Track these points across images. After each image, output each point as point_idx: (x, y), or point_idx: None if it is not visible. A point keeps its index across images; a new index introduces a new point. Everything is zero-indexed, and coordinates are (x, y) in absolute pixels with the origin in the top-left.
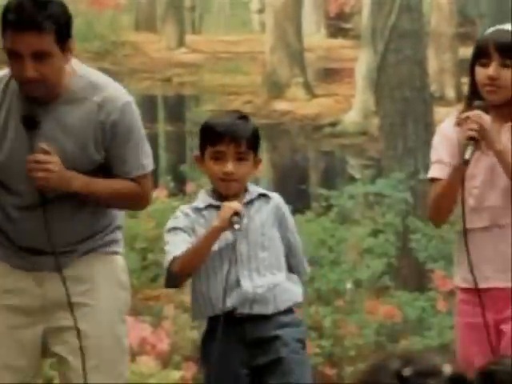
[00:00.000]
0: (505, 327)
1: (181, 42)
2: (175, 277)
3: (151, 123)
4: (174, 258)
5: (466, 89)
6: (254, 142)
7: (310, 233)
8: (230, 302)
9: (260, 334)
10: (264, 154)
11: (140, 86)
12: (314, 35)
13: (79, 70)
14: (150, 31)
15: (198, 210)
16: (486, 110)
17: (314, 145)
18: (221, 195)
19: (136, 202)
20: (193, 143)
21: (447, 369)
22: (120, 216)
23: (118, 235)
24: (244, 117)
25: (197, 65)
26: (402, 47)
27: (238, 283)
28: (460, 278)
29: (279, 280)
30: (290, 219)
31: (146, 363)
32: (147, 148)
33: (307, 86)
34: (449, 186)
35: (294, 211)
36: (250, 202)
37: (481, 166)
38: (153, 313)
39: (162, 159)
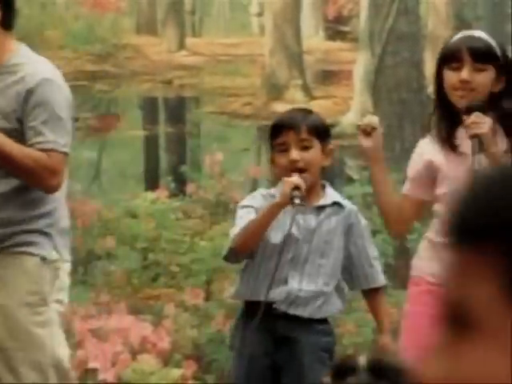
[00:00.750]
0: None
1: (181, 45)
2: (234, 252)
3: (152, 125)
4: (236, 234)
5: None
6: (316, 130)
7: None
8: (272, 296)
9: (290, 334)
10: (263, 154)
11: (141, 88)
12: (313, 38)
13: (21, 50)
14: (151, 34)
15: (272, 196)
16: (483, 110)
17: None
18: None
19: (43, 175)
20: (193, 144)
21: (362, 360)
22: (51, 220)
23: (39, 238)
24: (305, 109)
25: (197, 67)
26: (400, 50)
27: (285, 281)
28: (431, 273)
29: (328, 290)
30: (359, 231)
31: (147, 361)
32: (66, 130)
33: (306, 88)
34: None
35: None
36: (323, 208)
37: (464, 170)
38: (153, 312)
39: (163, 160)
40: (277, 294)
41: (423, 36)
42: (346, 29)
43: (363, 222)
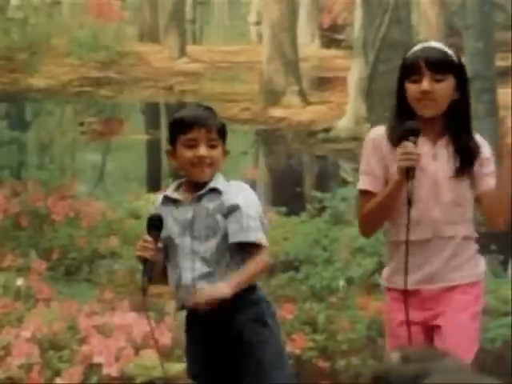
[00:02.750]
0: (438, 321)
1: (182, 52)
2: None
3: (154, 129)
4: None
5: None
6: (222, 132)
7: (305, 233)
8: (179, 296)
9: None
10: (261, 158)
11: (143, 94)
12: (309, 46)
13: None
14: (153, 42)
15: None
16: (417, 131)
17: (308, 149)
18: (187, 189)
19: None
20: None
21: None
22: None
23: None
24: (209, 108)
25: (197, 74)
26: (392, 57)
27: (179, 277)
28: (389, 280)
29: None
30: (235, 204)
31: (150, 356)
32: None
33: (302, 94)
34: (388, 200)
35: (290, 213)
36: (200, 197)
37: (424, 181)
38: (156, 309)
39: (165, 163)
40: (180, 292)
41: (415, 44)
42: (340, 37)
43: (245, 195)
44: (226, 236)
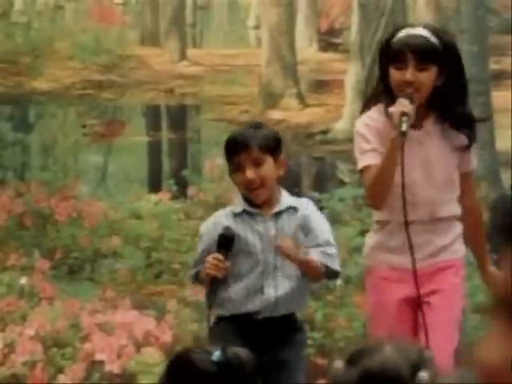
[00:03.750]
0: (431, 299)
1: (183, 56)
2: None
3: (155, 131)
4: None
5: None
6: (267, 146)
7: None
8: (251, 307)
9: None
10: None
11: (145, 97)
12: (307, 49)
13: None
14: (154, 46)
15: (235, 214)
16: (412, 99)
17: (306, 151)
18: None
19: None
20: (194, 149)
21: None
22: None
23: None
24: (256, 125)
25: (197, 77)
26: None
27: (261, 290)
28: (380, 258)
29: (299, 288)
30: (317, 228)
31: (151, 354)
32: None
33: (300, 97)
34: (388, 161)
35: None
36: (279, 213)
37: (417, 161)
38: (156, 307)
39: (165, 164)
40: (256, 304)
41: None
42: (337, 41)
43: (315, 211)
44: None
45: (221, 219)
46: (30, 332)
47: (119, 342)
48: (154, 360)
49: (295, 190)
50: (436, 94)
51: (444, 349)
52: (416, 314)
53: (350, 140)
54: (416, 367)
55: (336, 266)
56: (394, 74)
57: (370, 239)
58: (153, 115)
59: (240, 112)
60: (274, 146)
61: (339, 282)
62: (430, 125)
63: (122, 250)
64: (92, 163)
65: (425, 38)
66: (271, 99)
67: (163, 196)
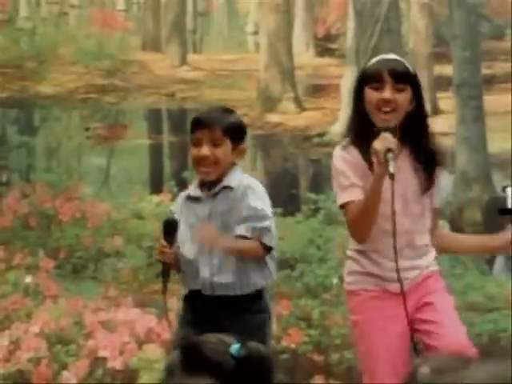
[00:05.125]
0: (427, 300)
1: (183, 61)
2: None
3: (156, 134)
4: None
5: (438, 104)
6: (231, 130)
7: (300, 233)
8: (194, 286)
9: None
10: (258, 161)
11: (146, 101)
12: (304, 54)
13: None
14: (156, 51)
15: (185, 198)
16: (394, 132)
17: (303, 153)
18: (205, 186)
19: None
20: None
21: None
22: None
23: None
24: (226, 109)
25: (198, 81)
26: None
27: (197, 270)
28: (366, 283)
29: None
30: (248, 202)
31: (152, 351)
32: None
33: (297, 101)
34: (374, 197)
35: (286, 213)
36: (215, 194)
37: (395, 194)
38: (158, 305)
39: (167, 166)
40: (197, 283)
41: (405, 53)
42: (334, 46)
43: (253, 187)
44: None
45: (175, 204)
46: (35, 329)
47: (122, 339)
48: (156, 357)
49: (292, 192)
50: (408, 121)
51: (462, 336)
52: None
53: None
54: None
55: (267, 240)
56: (372, 94)
57: (351, 267)
58: (154, 118)
59: (239, 115)
60: (236, 131)
61: (335, 280)
62: (405, 154)
63: (124, 250)
64: (95, 165)
65: (399, 60)
66: (269, 103)
67: (164, 197)
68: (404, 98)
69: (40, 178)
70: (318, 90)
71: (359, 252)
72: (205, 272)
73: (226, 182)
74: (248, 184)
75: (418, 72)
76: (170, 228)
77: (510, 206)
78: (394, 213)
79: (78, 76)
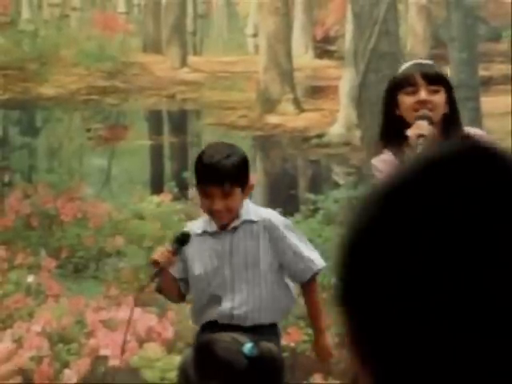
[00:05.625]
0: None
1: (184, 63)
2: None
3: (157, 135)
4: None
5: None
6: (238, 178)
7: None
8: (211, 316)
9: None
10: (258, 162)
11: (147, 102)
12: (303, 56)
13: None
14: (156, 53)
15: (196, 234)
16: (430, 119)
17: (302, 154)
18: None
19: None
20: (194, 153)
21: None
22: None
23: None
24: (230, 152)
25: (198, 83)
26: (381, 67)
27: (219, 302)
28: None
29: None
30: (279, 235)
31: (153, 349)
32: None
33: (296, 102)
34: None
35: (285, 214)
36: (235, 229)
37: None
38: (159, 304)
39: (167, 167)
40: (216, 313)
41: (403, 55)
42: (332, 48)
43: (281, 223)
44: (265, 265)
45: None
46: (37, 328)
47: (122, 338)
48: (156, 355)
49: (291, 192)
50: (444, 123)
51: None
52: None
53: (345, 143)
54: None
55: (319, 264)
56: (406, 99)
57: None
58: (155, 120)
59: (238, 117)
60: (243, 175)
61: (334, 279)
62: None
63: (125, 250)
64: (96, 166)
65: (430, 63)
66: (269, 104)
67: (165, 197)
68: (439, 98)
69: (42, 178)
70: (317, 91)
71: None
72: (226, 306)
73: (245, 215)
74: (270, 219)
75: (421, 62)
76: (183, 239)
77: None
78: None
79: (80, 78)
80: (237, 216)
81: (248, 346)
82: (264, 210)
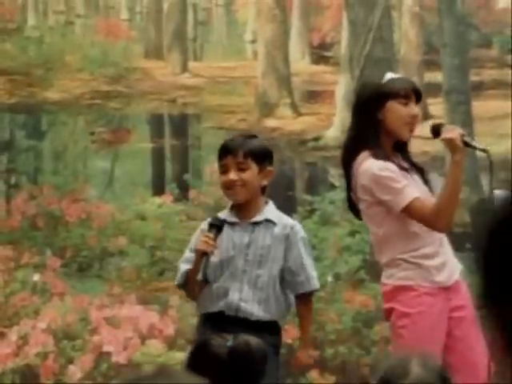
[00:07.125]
0: (463, 313)
1: (184, 68)
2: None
3: (159, 138)
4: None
5: (428, 109)
6: (254, 154)
7: None
8: (218, 306)
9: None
10: None
11: (149, 106)
12: (300, 62)
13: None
14: (158, 58)
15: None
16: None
17: (299, 157)
18: (238, 211)
19: None
20: (195, 155)
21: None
22: None
23: None
24: (250, 135)
25: (198, 88)
26: (376, 73)
27: (225, 293)
28: (429, 279)
29: (265, 297)
30: (295, 243)
31: (155, 345)
32: None
33: (294, 106)
34: (458, 181)
35: None
36: (256, 224)
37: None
38: (160, 302)
39: (168, 169)
40: (223, 303)
41: (396, 60)
42: (328, 54)
43: (301, 234)
44: (276, 266)
45: (201, 230)
46: (43, 325)
47: (125, 335)
48: (158, 351)
49: (289, 193)
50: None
51: (484, 355)
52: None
53: (340, 146)
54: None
55: (317, 285)
56: (399, 109)
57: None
58: (156, 123)
59: (238, 120)
60: (260, 155)
61: (330, 278)
62: (414, 171)
63: (127, 249)
64: (100, 168)
65: (414, 81)
66: (267, 108)
67: (166, 199)
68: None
69: (47, 180)
70: (314, 96)
71: (410, 251)
72: (234, 296)
73: (268, 214)
74: (293, 227)
75: (409, 79)
76: (220, 225)
77: None
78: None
79: (84, 83)
80: (259, 211)
81: (230, 339)
82: (287, 217)
